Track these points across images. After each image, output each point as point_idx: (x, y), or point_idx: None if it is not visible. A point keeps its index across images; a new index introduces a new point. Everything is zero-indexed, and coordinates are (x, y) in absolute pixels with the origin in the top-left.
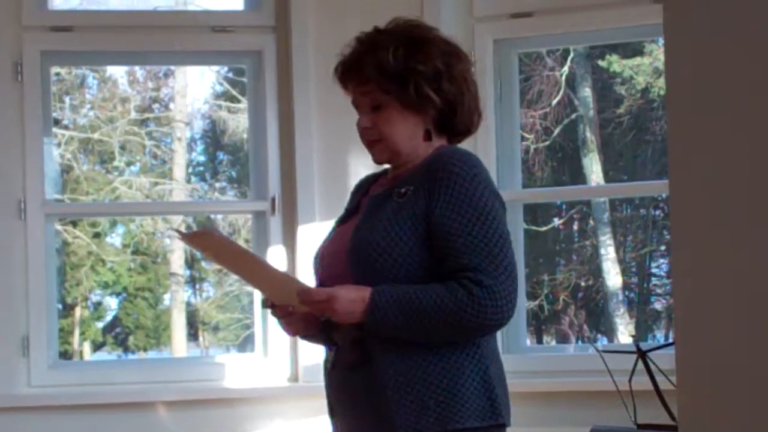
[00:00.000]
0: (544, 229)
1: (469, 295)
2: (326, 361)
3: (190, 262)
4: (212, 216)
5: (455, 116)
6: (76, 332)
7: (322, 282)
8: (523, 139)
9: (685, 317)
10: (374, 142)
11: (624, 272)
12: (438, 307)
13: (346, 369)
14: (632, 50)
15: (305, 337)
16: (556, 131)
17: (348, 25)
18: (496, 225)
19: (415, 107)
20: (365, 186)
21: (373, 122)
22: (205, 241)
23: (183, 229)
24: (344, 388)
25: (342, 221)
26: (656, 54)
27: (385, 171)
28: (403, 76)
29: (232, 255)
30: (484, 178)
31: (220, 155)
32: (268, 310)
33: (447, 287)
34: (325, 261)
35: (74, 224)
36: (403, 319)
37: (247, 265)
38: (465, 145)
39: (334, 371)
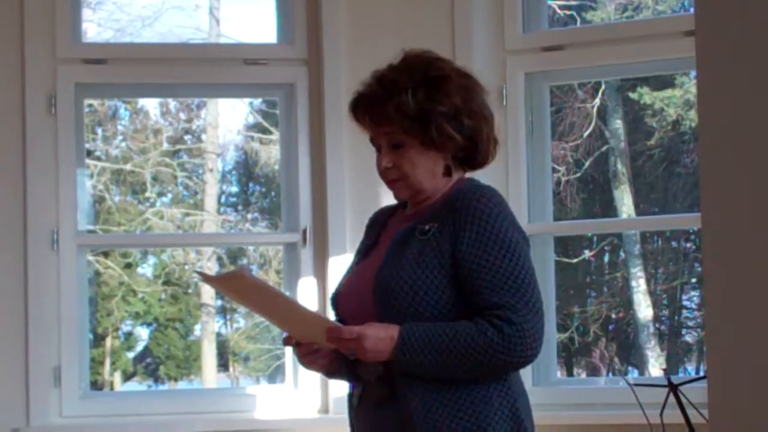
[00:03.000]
0: (574, 261)
1: (499, 334)
2: (351, 397)
3: (221, 294)
4: (244, 247)
5: (477, 150)
6: (107, 362)
7: (344, 321)
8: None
9: (717, 350)
10: (395, 180)
11: (655, 304)
12: (468, 345)
13: (373, 405)
14: (663, 82)
15: (329, 374)
16: (587, 163)
17: (380, 58)
18: (522, 261)
19: (436, 146)
20: (382, 219)
21: (393, 162)
22: (236, 283)
23: (214, 260)
24: (372, 425)
25: (360, 256)
26: (687, 86)
27: (403, 203)
28: (424, 118)
29: (260, 295)
30: (508, 214)
31: (252, 186)
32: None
33: (476, 325)
34: (345, 300)
35: (106, 255)
36: (432, 358)
37: (275, 305)
38: (497, 177)
39: (360, 407)
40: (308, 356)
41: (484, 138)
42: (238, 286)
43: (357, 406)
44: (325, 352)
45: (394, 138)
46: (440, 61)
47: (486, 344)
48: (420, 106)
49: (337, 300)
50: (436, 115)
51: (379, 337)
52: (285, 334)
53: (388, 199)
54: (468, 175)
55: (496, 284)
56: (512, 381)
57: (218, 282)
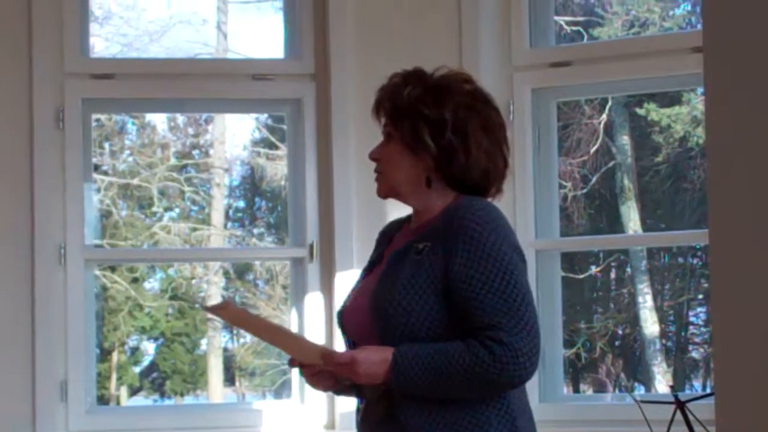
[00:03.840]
0: (581, 276)
1: (490, 354)
2: (358, 411)
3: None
4: (250, 262)
5: (449, 167)
6: (114, 377)
7: (349, 337)
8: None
9: (725, 367)
10: (377, 174)
11: (662, 320)
12: (460, 366)
13: (376, 423)
14: (670, 99)
15: (337, 391)
16: (594, 179)
17: (387, 73)
18: (515, 280)
19: (412, 149)
20: (389, 234)
21: (379, 154)
22: (226, 313)
23: (220, 275)
24: None
25: (366, 272)
26: (694, 103)
27: (409, 218)
28: (408, 115)
29: (253, 324)
30: (501, 231)
31: (259, 201)
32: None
33: (468, 346)
34: (349, 317)
35: (112, 269)
36: (425, 380)
37: (269, 332)
38: (503, 192)
39: (364, 423)
40: (313, 377)
41: (469, 160)
42: (230, 315)
43: (361, 421)
44: (330, 373)
45: (387, 132)
46: (463, 79)
47: (477, 365)
48: (409, 102)
49: (342, 316)
50: (417, 115)
51: (372, 361)
52: (288, 358)
53: (395, 214)
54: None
55: (487, 304)
56: (512, 400)
57: (213, 312)
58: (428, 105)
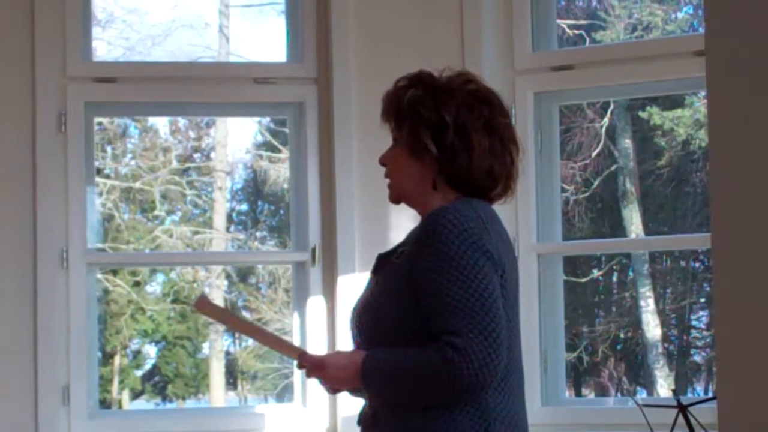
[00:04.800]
0: (583, 280)
1: (443, 359)
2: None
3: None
4: (252, 265)
5: (452, 168)
6: (115, 380)
7: (356, 338)
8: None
9: (727, 371)
10: (388, 180)
11: (664, 324)
12: (417, 370)
13: (366, 426)
14: (672, 102)
15: (352, 392)
16: (596, 183)
17: (389, 77)
18: (476, 284)
19: (415, 153)
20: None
21: (386, 159)
22: (207, 309)
23: (223, 278)
24: None
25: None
26: (697, 106)
27: None
28: (408, 118)
29: (237, 324)
30: (471, 235)
31: (261, 205)
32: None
33: (425, 350)
34: (355, 318)
35: (114, 273)
36: (389, 384)
37: (250, 330)
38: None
39: (361, 425)
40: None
41: (472, 161)
42: (216, 316)
43: (357, 423)
44: None
45: (393, 136)
46: (462, 80)
47: (431, 369)
48: (409, 105)
49: (352, 317)
50: (415, 117)
51: (341, 365)
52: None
53: (397, 218)
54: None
55: (445, 308)
56: (488, 404)
57: (200, 313)
58: (428, 107)
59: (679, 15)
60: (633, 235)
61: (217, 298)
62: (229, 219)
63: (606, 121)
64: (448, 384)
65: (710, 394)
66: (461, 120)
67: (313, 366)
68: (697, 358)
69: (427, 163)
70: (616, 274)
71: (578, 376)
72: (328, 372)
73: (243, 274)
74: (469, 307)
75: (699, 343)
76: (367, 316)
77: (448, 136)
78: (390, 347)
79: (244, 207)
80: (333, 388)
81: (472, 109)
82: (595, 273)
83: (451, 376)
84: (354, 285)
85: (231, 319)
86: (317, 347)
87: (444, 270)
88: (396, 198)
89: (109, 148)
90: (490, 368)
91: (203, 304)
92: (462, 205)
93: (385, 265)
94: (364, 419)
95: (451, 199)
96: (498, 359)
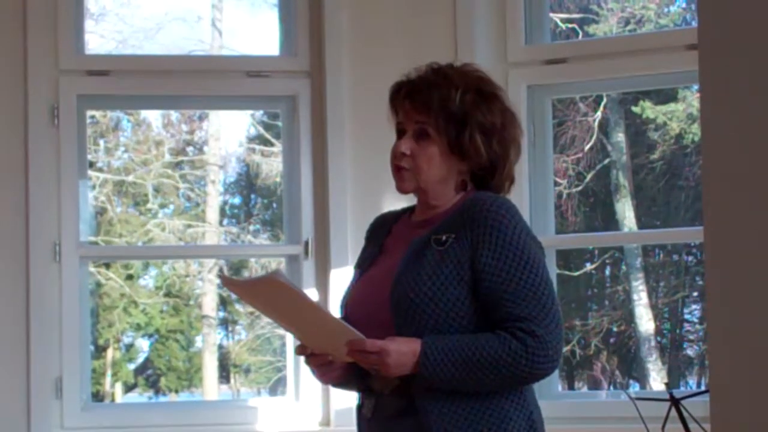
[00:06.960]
0: (576, 274)
1: (523, 346)
2: (360, 408)
3: (224, 305)
4: (245, 259)
5: (493, 177)
6: (108, 374)
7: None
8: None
9: (720, 364)
10: (404, 170)
11: (656, 318)
12: (491, 358)
13: (388, 417)
14: (665, 96)
15: (338, 384)
16: (589, 176)
17: (382, 71)
18: (541, 273)
19: (460, 154)
20: (385, 226)
21: (412, 150)
22: (264, 288)
23: (216, 271)
24: None
25: (367, 264)
26: (690, 100)
27: (405, 210)
28: (462, 121)
29: (286, 301)
30: (524, 225)
31: (254, 198)
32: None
33: (499, 338)
34: (357, 309)
35: (107, 266)
36: (455, 372)
37: (299, 312)
38: None
39: (373, 419)
40: (321, 367)
41: (505, 170)
42: (266, 291)
43: (370, 418)
44: (338, 364)
45: (422, 129)
46: (495, 83)
47: (510, 357)
48: (464, 108)
49: (347, 310)
50: (474, 122)
51: (402, 351)
52: (297, 344)
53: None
54: None
55: (518, 296)
56: (527, 393)
57: (245, 287)
58: (483, 111)
59: (672, 9)
60: (626, 229)
61: (210, 291)
62: (222, 212)
63: (599, 114)
64: (526, 371)
65: (703, 388)
66: (504, 128)
67: (375, 351)
68: (690, 352)
69: (468, 164)
70: (608, 267)
71: (571, 369)
72: (391, 358)
73: (236, 268)
74: (539, 295)
75: (691, 337)
76: (417, 302)
77: (494, 141)
78: (442, 335)
79: (236, 200)
80: (338, 380)
81: (507, 117)
82: (588, 266)
83: (531, 363)
84: (347, 278)
85: (300, 299)
86: None
87: (509, 259)
88: (413, 189)
89: (101, 142)
90: (559, 355)
91: (276, 284)
92: (499, 196)
93: (420, 251)
94: (384, 412)
95: (472, 190)
96: (563, 347)
